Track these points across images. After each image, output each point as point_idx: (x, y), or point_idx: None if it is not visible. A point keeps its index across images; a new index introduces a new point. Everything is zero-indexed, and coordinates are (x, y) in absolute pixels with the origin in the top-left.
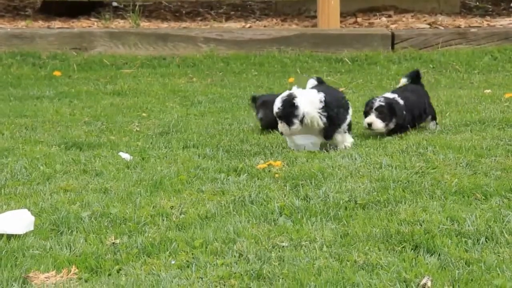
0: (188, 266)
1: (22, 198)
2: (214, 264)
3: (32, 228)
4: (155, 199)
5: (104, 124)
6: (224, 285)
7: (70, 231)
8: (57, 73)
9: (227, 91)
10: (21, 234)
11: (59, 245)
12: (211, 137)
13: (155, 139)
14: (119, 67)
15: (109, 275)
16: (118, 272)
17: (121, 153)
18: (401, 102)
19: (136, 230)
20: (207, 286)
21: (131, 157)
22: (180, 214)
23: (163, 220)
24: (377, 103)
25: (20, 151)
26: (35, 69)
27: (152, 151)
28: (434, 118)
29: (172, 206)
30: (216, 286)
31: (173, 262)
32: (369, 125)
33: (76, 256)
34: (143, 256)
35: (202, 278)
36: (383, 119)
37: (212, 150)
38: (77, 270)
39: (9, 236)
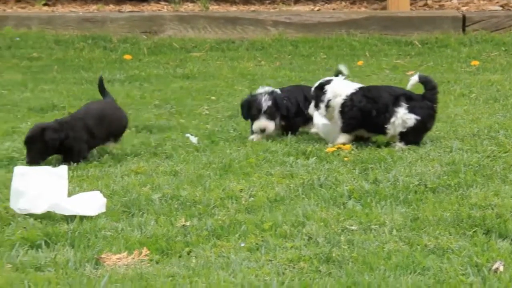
0: (257, 249)
1: (94, 180)
2: (284, 247)
3: (104, 210)
4: (225, 182)
5: (173, 107)
6: (294, 268)
7: (141, 213)
8: (127, 57)
9: (295, 75)
10: (93, 216)
11: (130, 226)
12: None
13: (224, 122)
14: (189, 51)
15: (180, 257)
16: (188, 254)
17: (188, 135)
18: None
19: (206, 213)
20: (276, 269)
21: (197, 138)
22: (249, 197)
23: (233, 203)
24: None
25: None
26: (106, 53)
27: (221, 134)
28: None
29: (242, 189)
30: (286, 269)
31: (242, 245)
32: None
33: (147, 237)
34: (213, 239)
35: (271, 261)
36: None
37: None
38: (148, 252)
39: (82, 218)
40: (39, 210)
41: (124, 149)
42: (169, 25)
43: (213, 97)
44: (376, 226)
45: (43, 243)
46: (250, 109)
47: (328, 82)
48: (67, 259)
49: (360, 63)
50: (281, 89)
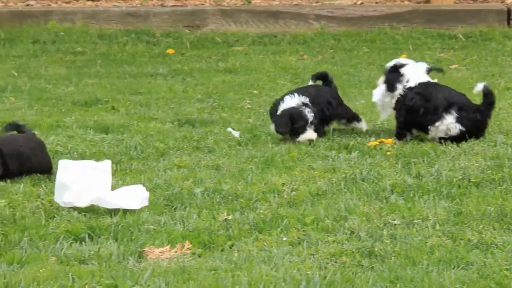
0: (299, 243)
1: (137, 174)
2: (326, 241)
3: (146, 204)
4: (267, 176)
5: (216, 101)
6: (336, 262)
7: (183, 206)
8: (170, 51)
9: (338, 69)
10: (136, 209)
11: (173, 220)
12: None
13: (266, 116)
14: (231, 45)
15: (222, 250)
16: (230, 248)
17: (230, 129)
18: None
19: (248, 207)
20: (318, 263)
21: (239, 132)
22: (291, 191)
23: (275, 196)
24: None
25: (135, 128)
26: (149, 47)
27: (263, 128)
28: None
29: (283, 183)
30: (328, 263)
31: (284, 239)
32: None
33: (190, 231)
34: (255, 233)
35: (313, 255)
36: None
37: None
38: (190, 245)
39: (125, 211)
40: (83, 203)
41: (167, 143)
42: (211, 19)
43: (255, 91)
44: (419, 220)
45: (86, 236)
46: (295, 122)
47: (404, 65)
48: (111, 252)
49: (403, 56)
50: (303, 91)
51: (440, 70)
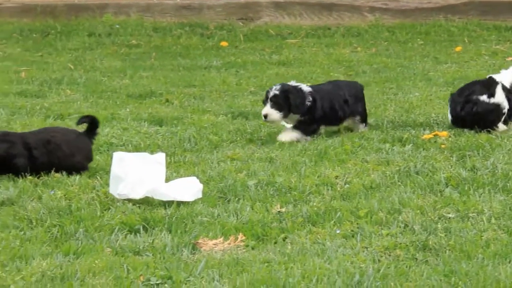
0: (353, 236)
1: (191, 166)
2: (379, 234)
3: (200, 196)
4: (320, 168)
5: None
6: (390, 255)
7: (237, 199)
8: (224, 44)
9: (392, 61)
10: (190, 201)
11: (226, 212)
12: (376, 107)
13: None
14: (284, 37)
15: (275, 243)
16: (284, 240)
17: (283, 122)
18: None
19: (301, 199)
20: (372, 256)
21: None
22: (345, 184)
23: (328, 189)
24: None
25: (189, 120)
26: (203, 40)
27: None
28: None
29: (337, 176)
30: (381, 256)
31: (338, 232)
32: (265, 116)
33: (243, 223)
34: (308, 225)
35: (367, 248)
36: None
37: (377, 120)
38: (244, 238)
39: (179, 203)
40: (137, 195)
41: (220, 135)
42: (265, 12)
43: (308, 84)
44: (474, 214)
45: (141, 228)
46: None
47: None
48: (165, 244)
49: (458, 49)
50: (319, 88)
51: None
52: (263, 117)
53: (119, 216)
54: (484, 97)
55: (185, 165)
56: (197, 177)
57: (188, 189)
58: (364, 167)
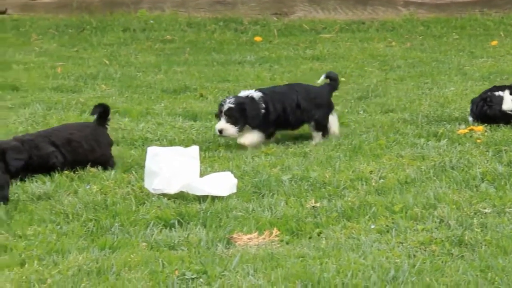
0: (388, 231)
1: (225, 160)
2: (414, 229)
3: (235, 190)
4: (354, 163)
5: None
6: (425, 250)
7: (271, 193)
8: (258, 39)
9: (427, 55)
10: (224, 196)
11: (260, 207)
12: (411, 102)
13: (354, 103)
14: (319, 32)
15: (310, 238)
16: (318, 235)
17: None
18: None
19: (336, 194)
20: (407, 251)
21: None
22: (379, 179)
23: (362, 184)
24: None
25: None
26: (237, 35)
27: (350, 115)
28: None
29: (371, 171)
30: (417, 252)
31: (372, 227)
32: (220, 132)
33: (277, 218)
34: (343, 220)
35: (402, 243)
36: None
37: (412, 115)
38: (278, 232)
39: (214, 198)
40: (172, 190)
41: None
42: (299, 7)
43: (342, 79)
44: (511, 209)
45: (176, 222)
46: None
47: None
48: (200, 239)
49: (494, 43)
50: (271, 91)
51: None
52: (217, 132)
53: (154, 211)
54: None
55: (219, 160)
56: (232, 172)
57: (222, 184)
58: (399, 162)
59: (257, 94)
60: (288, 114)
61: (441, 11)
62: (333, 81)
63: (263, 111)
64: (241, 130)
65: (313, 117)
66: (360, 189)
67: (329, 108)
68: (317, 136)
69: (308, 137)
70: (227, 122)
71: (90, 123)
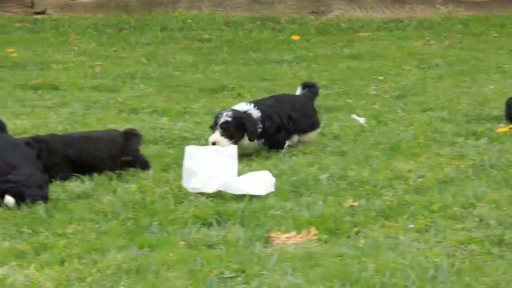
0: (426, 230)
1: (263, 160)
2: (453, 229)
3: (272, 189)
4: (392, 162)
5: (341, 87)
6: (464, 250)
7: (309, 193)
8: (295, 37)
9: (465, 54)
10: (262, 195)
11: (298, 206)
12: (449, 100)
13: (392, 102)
14: (356, 30)
15: (348, 237)
16: (356, 234)
17: (354, 116)
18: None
19: (374, 193)
20: (446, 251)
21: (365, 118)
22: (418, 178)
23: (401, 183)
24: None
25: None
26: (274, 34)
27: (388, 114)
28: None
29: (410, 170)
30: (456, 251)
31: (411, 226)
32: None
33: (315, 217)
34: (381, 219)
35: (441, 243)
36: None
37: (450, 113)
38: (316, 232)
39: (251, 197)
40: (210, 189)
41: None
42: (336, 5)
43: (380, 77)
44: None
45: (214, 221)
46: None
47: None
48: (238, 237)
49: None
50: (263, 103)
51: None
52: (211, 144)
53: (192, 210)
54: None
55: (257, 159)
56: (269, 171)
57: (260, 183)
58: (438, 161)
59: (255, 111)
60: (281, 130)
61: (480, 9)
62: (312, 88)
63: (259, 129)
64: (235, 144)
65: (301, 127)
66: (398, 188)
67: (315, 114)
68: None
69: (346, 135)
70: (222, 135)
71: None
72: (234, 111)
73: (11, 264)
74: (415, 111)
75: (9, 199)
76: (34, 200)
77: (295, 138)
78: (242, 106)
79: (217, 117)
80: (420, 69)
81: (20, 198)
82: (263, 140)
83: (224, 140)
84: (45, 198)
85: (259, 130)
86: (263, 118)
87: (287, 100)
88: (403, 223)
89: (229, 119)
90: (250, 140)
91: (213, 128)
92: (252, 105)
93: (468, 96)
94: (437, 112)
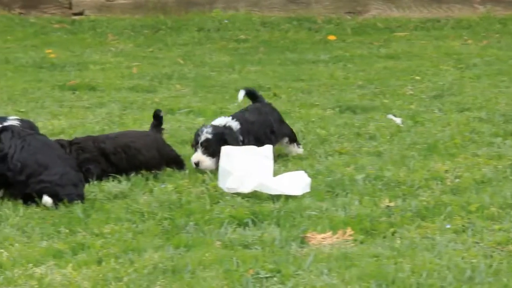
0: (463, 231)
1: (299, 160)
2: (491, 229)
3: (308, 190)
4: (429, 162)
5: (377, 87)
6: (502, 250)
7: (345, 193)
8: (331, 37)
9: (504, 53)
10: (298, 195)
11: (334, 206)
12: (487, 100)
13: (429, 102)
14: (393, 30)
15: (384, 237)
16: (392, 234)
17: (390, 116)
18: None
19: (410, 194)
20: (483, 252)
21: (401, 118)
22: (455, 178)
23: (438, 183)
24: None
25: (296, 114)
26: (310, 34)
27: (425, 114)
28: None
29: (447, 170)
30: (493, 252)
31: (448, 226)
32: (196, 164)
33: (351, 218)
34: (418, 220)
35: (478, 243)
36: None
37: (488, 114)
38: (352, 232)
39: (287, 197)
40: (246, 189)
41: (328, 129)
42: (373, 5)
43: (417, 77)
44: None
45: (250, 221)
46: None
47: None
48: (273, 238)
49: None
50: (242, 116)
51: None
52: (193, 165)
53: (228, 210)
54: None
55: (293, 159)
56: (305, 171)
57: (296, 183)
58: (475, 161)
59: (234, 124)
60: (263, 143)
61: None
62: (260, 99)
63: (240, 143)
64: (218, 162)
65: (284, 133)
66: (435, 189)
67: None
68: (294, 147)
69: (382, 136)
70: (204, 153)
71: (147, 131)
72: (214, 127)
73: (49, 264)
74: (452, 111)
75: (47, 199)
76: (71, 200)
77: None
78: (221, 121)
79: (197, 135)
80: (457, 69)
81: (56, 198)
82: None
83: (206, 159)
84: (81, 197)
85: (240, 142)
86: (242, 130)
87: (268, 111)
88: (439, 223)
89: (209, 136)
90: None
91: (194, 146)
92: (231, 118)
93: (506, 96)
94: (475, 112)
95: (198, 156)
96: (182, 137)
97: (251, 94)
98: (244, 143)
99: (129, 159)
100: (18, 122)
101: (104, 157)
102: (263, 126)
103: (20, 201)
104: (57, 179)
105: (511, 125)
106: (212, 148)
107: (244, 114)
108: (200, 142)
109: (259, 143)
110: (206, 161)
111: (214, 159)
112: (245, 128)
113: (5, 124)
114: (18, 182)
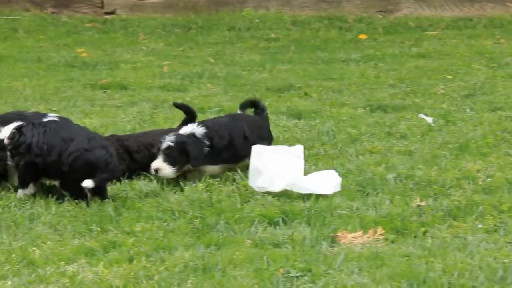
0: (495, 231)
1: (329, 159)
2: None
3: (339, 189)
4: (461, 162)
5: (408, 86)
6: None
7: (376, 192)
8: (362, 36)
9: None
10: (329, 194)
11: (365, 206)
12: None
13: (460, 101)
14: (424, 29)
15: (415, 237)
16: (424, 234)
17: (422, 115)
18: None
19: (442, 193)
20: None
21: (432, 118)
22: (487, 178)
23: (469, 183)
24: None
25: (327, 113)
26: (341, 33)
27: (457, 113)
28: None
29: (478, 169)
30: None
31: (480, 226)
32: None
33: (382, 217)
34: (449, 219)
35: (510, 243)
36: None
37: None
38: (383, 231)
39: (318, 196)
40: (276, 188)
41: (359, 128)
42: (404, 4)
43: (449, 76)
44: None
45: (280, 220)
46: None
47: None
48: (304, 237)
49: None
50: (215, 123)
51: None
52: (152, 171)
53: (259, 209)
54: None
55: (323, 159)
56: (336, 171)
57: (327, 182)
58: (507, 160)
59: (199, 130)
60: (236, 147)
61: None
62: (260, 110)
63: (207, 148)
64: (179, 170)
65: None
66: (466, 188)
67: (270, 140)
68: None
69: (413, 135)
70: (165, 161)
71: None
72: (177, 135)
73: (81, 262)
74: (484, 110)
75: (88, 182)
76: (101, 163)
77: None
78: (187, 129)
79: (160, 142)
80: (489, 68)
81: (89, 165)
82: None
83: (166, 167)
84: (112, 156)
85: (206, 149)
86: (208, 134)
87: (241, 118)
88: (471, 223)
89: (171, 144)
90: (192, 165)
91: (156, 153)
92: (197, 124)
93: None
94: (507, 112)
95: (158, 163)
96: None
97: (253, 104)
98: (213, 145)
99: (153, 157)
100: (57, 119)
101: (128, 155)
102: (235, 130)
103: (53, 198)
104: (85, 144)
105: None
106: (173, 156)
107: (217, 119)
108: (161, 149)
109: (233, 146)
110: (166, 169)
111: (175, 167)
112: (212, 130)
113: (44, 119)
114: (52, 164)
